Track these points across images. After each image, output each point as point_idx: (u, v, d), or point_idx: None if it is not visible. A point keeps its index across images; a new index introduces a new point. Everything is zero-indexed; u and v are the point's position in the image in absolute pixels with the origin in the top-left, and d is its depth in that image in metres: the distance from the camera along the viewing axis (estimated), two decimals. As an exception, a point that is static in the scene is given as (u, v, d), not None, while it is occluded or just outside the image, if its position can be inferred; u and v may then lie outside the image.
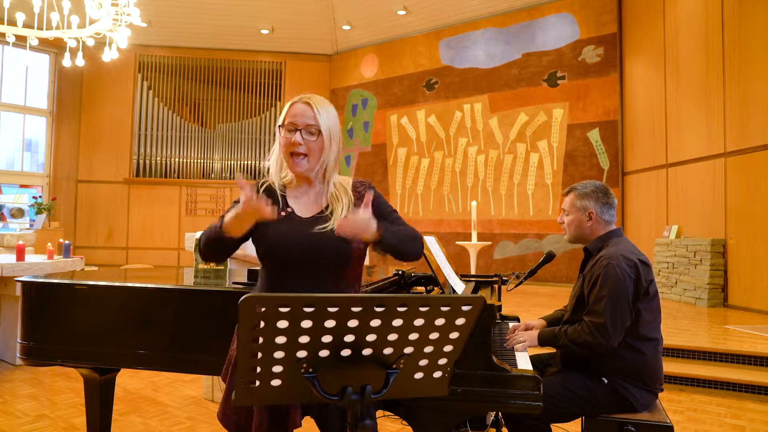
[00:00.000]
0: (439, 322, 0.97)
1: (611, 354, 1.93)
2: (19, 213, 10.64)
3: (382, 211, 1.50)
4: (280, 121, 1.49)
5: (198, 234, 3.52)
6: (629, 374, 1.92)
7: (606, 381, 1.93)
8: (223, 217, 1.40)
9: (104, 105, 11.53)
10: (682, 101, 7.05)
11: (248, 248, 3.47)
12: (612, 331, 1.86)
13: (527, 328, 2.19)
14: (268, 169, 1.57)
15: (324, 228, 1.42)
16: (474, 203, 7.92)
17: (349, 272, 1.47)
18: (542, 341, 2.04)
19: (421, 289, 2.63)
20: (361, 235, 1.31)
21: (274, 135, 1.53)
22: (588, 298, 1.97)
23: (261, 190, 1.51)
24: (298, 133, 1.43)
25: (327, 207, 1.49)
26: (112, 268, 8.75)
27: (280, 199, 1.48)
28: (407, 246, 1.44)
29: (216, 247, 1.43)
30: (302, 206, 1.49)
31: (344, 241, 1.40)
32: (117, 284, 2.03)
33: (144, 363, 1.97)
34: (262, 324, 0.89)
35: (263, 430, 1.32)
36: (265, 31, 11.14)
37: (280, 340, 0.91)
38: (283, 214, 1.44)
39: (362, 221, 1.29)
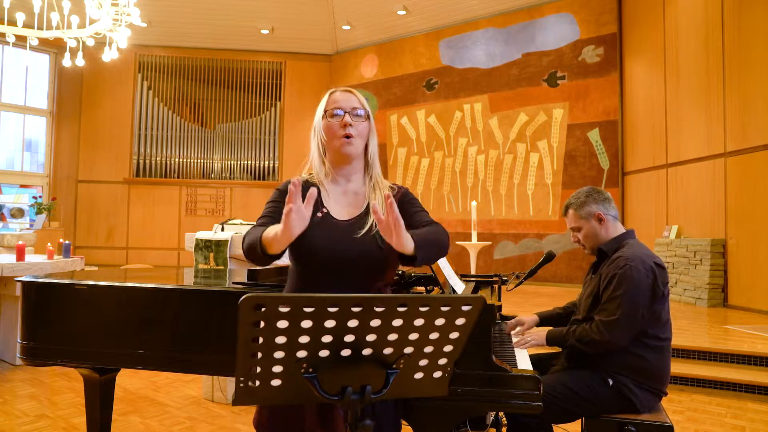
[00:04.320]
0: (439, 322, 0.97)
1: (625, 353, 1.93)
2: (19, 213, 10.64)
3: (407, 210, 1.46)
4: (321, 112, 1.46)
5: (198, 234, 3.52)
6: (639, 373, 1.92)
7: (611, 382, 1.92)
8: (264, 223, 1.34)
9: (104, 105, 11.53)
10: (682, 101, 7.05)
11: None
12: (621, 330, 1.87)
13: (519, 324, 2.20)
14: (310, 165, 1.51)
15: (361, 233, 1.38)
16: (474, 203, 7.92)
17: (383, 279, 1.44)
18: (550, 341, 2.04)
19: (421, 289, 2.63)
20: (395, 242, 1.18)
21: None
22: (602, 297, 1.97)
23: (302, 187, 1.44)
24: (347, 115, 1.43)
25: (365, 208, 1.44)
26: (112, 268, 8.75)
27: (318, 197, 1.43)
28: (437, 255, 1.35)
29: (256, 256, 1.29)
30: (339, 207, 1.45)
31: (382, 249, 1.36)
32: (117, 284, 2.03)
33: (144, 363, 1.97)
34: (262, 324, 0.89)
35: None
36: (265, 31, 11.14)
37: (280, 340, 0.91)
38: (319, 215, 1.39)
39: (395, 227, 1.17)
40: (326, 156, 1.49)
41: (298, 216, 1.17)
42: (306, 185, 1.45)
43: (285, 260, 1.50)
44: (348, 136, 1.42)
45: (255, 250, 1.27)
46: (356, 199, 1.47)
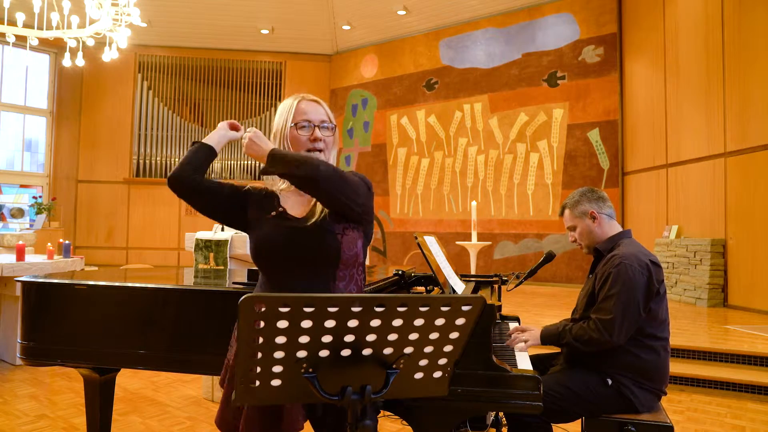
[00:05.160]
0: (439, 322, 0.97)
1: (623, 352, 1.93)
2: (19, 213, 10.64)
3: None
4: (287, 121, 1.46)
5: (198, 234, 3.53)
6: (638, 373, 1.92)
7: (610, 382, 1.92)
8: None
9: (104, 105, 11.53)
10: (682, 101, 7.05)
11: (249, 248, 3.48)
12: (618, 329, 1.87)
13: (525, 332, 2.19)
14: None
15: (312, 221, 1.39)
16: (474, 203, 7.92)
17: (343, 272, 1.40)
18: (545, 340, 2.04)
19: (421, 289, 2.63)
20: (252, 152, 1.37)
21: (273, 136, 1.50)
22: (598, 296, 1.98)
23: (258, 191, 1.51)
24: (316, 128, 1.45)
25: (316, 203, 1.45)
26: (112, 268, 8.75)
27: (274, 199, 1.47)
28: (295, 171, 1.30)
29: (189, 155, 1.48)
30: (294, 205, 1.47)
31: (332, 236, 1.37)
32: (117, 284, 2.03)
33: (144, 363, 1.97)
34: (262, 324, 0.89)
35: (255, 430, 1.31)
36: (265, 31, 11.14)
37: (280, 340, 0.91)
38: (273, 213, 1.43)
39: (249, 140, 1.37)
40: None
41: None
42: (266, 190, 1.51)
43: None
44: (318, 150, 1.46)
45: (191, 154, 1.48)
46: (311, 198, 1.47)
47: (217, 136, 1.52)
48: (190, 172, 1.45)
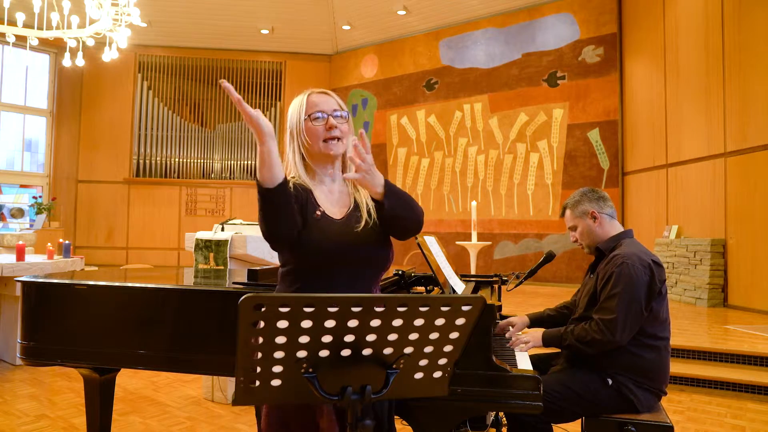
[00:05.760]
0: (439, 322, 0.97)
1: (624, 352, 1.93)
2: (19, 213, 10.64)
3: None
4: (300, 116, 1.46)
5: (198, 234, 3.52)
6: (638, 373, 1.92)
7: (611, 382, 1.92)
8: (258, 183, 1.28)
9: (104, 105, 11.53)
10: (682, 101, 7.05)
11: (249, 248, 3.46)
12: (621, 329, 1.87)
13: (510, 325, 2.19)
14: (286, 169, 1.50)
15: (360, 227, 1.41)
16: (474, 203, 7.91)
17: (386, 270, 1.50)
18: (547, 342, 2.04)
19: (421, 289, 2.63)
20: (366, 182, 1.30)
21: (289, 134, 1.48)
22: (600, 296, 1.98)
23: (296, 186, 1.44)
24: (330, 117, 1.46)
25: (353, 204, 1.48)
26: (112, 268, 8.75)
27: (310, 196, 1.45)
28: (409, 213, 1.38)
29: (272, 212, 1.27)
30: (330, 206, 1.47)
31: (384, 243, 1.44)
32: (117, 284, 2.03)
33: (144, 363, 1.97)
34: (262, 324, 0.89)
35: None
36: (265, 31, 11.14)
37: (280, 340, 0.91)
38: (317, 214, 1.41)
39: (368, 165, 1.28)
40: (306, 159, 1.50)
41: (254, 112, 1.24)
42: (301, 186, 1.46)
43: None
44: (335, 138, 1.45)
45: (262, 199, 1.26)
46: (341, 197, 1.50)
47: (274, 157, 1.24)
48: (288, 227, 1.30)
